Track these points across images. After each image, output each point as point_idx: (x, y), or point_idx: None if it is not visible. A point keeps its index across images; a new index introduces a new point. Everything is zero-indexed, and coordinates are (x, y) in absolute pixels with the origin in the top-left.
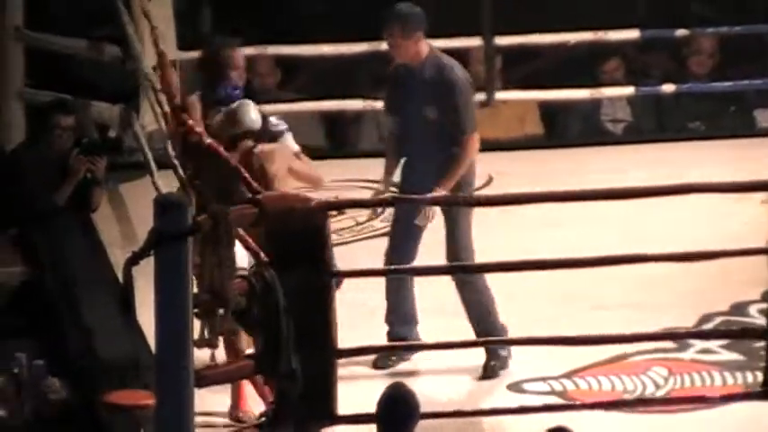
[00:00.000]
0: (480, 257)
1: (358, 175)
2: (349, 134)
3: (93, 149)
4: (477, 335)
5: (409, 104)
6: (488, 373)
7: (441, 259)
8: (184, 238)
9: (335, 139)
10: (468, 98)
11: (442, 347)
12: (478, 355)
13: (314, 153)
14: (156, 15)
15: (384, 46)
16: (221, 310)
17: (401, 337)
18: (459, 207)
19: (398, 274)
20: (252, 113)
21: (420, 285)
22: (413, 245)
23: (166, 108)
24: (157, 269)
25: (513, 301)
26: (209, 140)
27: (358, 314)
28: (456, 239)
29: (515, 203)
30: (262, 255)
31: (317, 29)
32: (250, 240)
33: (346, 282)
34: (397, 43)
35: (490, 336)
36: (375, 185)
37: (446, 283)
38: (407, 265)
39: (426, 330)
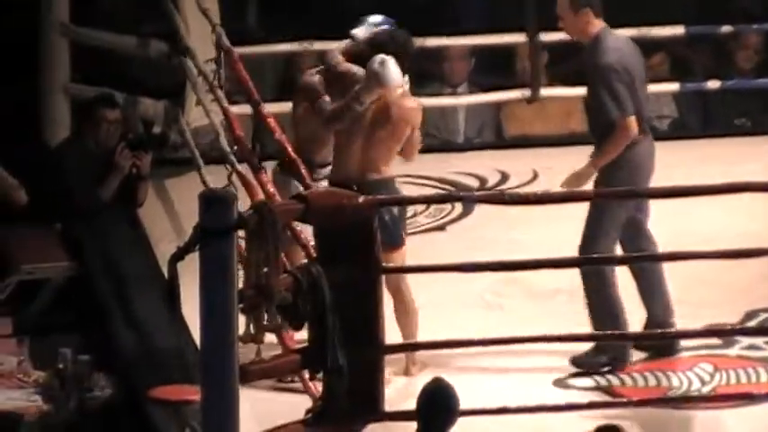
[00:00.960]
0: (529, 252)
1: (403, 172)
2: None
3: (139, 145)
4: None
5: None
6: (577, 361)
7: None
8: (230, 233)
9: None
10: (612, 82)
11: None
12: (526, 353)
13: None
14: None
15: (429, 42)
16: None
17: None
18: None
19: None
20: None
21: (456, 281)
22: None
23: (225, 103)
24: (202, 264)
25: (558, 294)
26: (280, 136)
27: None
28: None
29: (560, 202)
30: (310, 250)
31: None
32: (300, 235)
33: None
34: (565, 16)
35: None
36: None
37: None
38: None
39: (472, 326)
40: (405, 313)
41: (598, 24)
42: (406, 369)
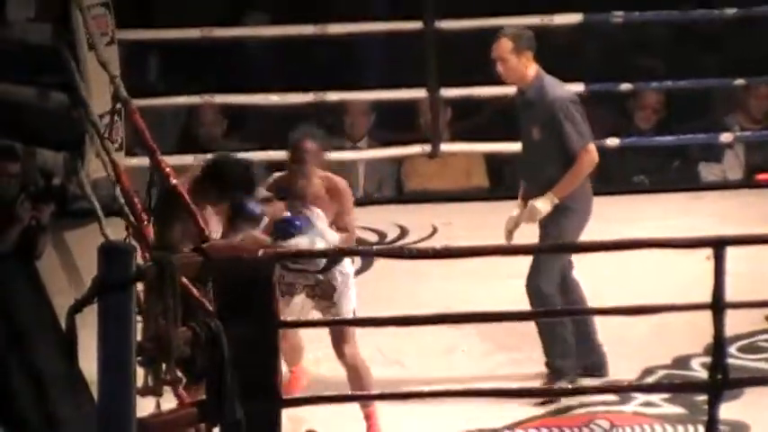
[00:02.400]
0: (425, 308)
1: None
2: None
3: (39, 197)
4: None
5: (522, 128)
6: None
7: None
8: (128, 286)
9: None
10: (573, 113)
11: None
12: (424, 408)
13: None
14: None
15: (330, 96)
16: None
17: None
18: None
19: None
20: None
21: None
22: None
23: (114, 155)
24: (101, 317)
25: (455, 352)
26: (174, 182)
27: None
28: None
29: (458, 257)
30: (206, 304)
31: (264, 78)
32: (194, 290)
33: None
34: (507, 59)
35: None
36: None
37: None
38: None
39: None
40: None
41: (535, 66)
42: None
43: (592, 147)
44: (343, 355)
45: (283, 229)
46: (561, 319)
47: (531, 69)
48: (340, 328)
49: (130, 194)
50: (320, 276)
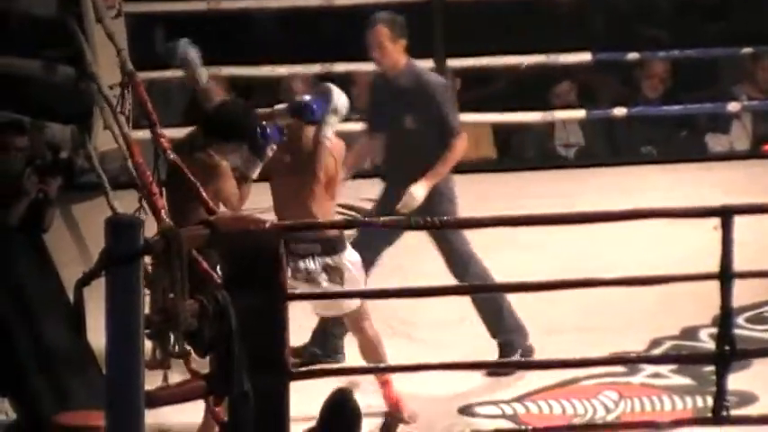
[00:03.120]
0: (433, 280)
1: None
2: None
3: (46, 170)
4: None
5: (389, 117)
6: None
7: None
8: (136, 259)
9: None
10: (447, 97)
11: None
12: (432, 380)
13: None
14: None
15: (337, 67)
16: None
17: None
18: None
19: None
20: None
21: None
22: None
23: (126, 129)
24: (108, 290)
25: (464, 324)
26: (172, 156)
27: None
28: (454, 255)
29: (466, 227)
30: (215, 276)
31: (271, 50)
32: (204, 263)
33: (300, 306)
34: (385, 46)
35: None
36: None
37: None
38: None
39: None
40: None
41: (405, 54)
42: None
43: (464, 134)
44: (361, 330)
45: (300, 111)
46: (497, 295)
47: (403, 57)
48: (355, 310)
49: (142, 167)
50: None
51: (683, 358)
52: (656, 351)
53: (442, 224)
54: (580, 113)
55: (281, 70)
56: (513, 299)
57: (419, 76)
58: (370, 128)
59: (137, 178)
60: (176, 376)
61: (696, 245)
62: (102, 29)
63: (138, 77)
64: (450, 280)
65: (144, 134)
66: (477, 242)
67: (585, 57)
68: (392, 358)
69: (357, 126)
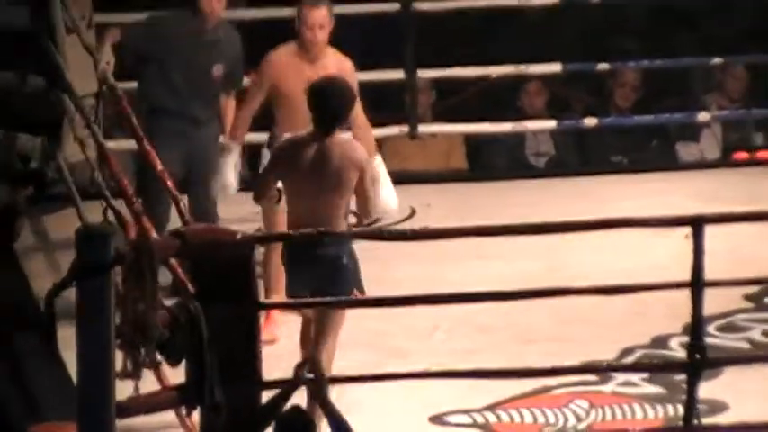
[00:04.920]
0: (405, 289)
1: None
2: None
3: (16, 180)
4: None
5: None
6: None
7: None
8: (106, 270)
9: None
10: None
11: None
12: (404, 388)
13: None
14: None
15: None
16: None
17: None
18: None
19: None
20: None
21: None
22: None
23: (101, 139)
24: (79, 301)
25: (436, 332)
26: (160, 168)
27: (283, 346)
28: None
29: (439, 238)
30: (188, 286)
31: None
32: (179, 271)
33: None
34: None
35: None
36: None
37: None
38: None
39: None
40: (330, 359)
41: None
42: None
43: None
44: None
45: None
46: None
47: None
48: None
49: (120, 177)
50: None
51: (654, 367)
52: (628, 359)
53: (415, 235)
54: (551, 123)
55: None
56: (486, 307)
57: (229, 27)
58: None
59: (110, 188)
60: (148, 386)
61: (668, 253)
62: (77, 39)
63: (119, 91)
64: (420, 288)
65: (116, 144)
66: (451, 252)
67: (556, 67)
68: (363, 367)
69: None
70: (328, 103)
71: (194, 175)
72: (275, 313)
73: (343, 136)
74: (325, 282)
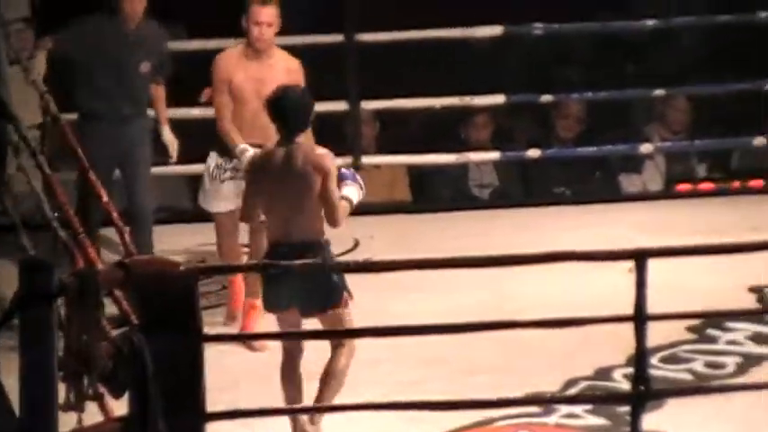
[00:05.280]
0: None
1: None
2: None
3: None
4: None
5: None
6: None
7: None
8: (50, 300)
9: None
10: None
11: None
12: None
13: (182, 217)
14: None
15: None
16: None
17: None
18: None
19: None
20: None
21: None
22: None
23: (47, 169)
24: (22, 332)
25: (380, 364)
26: (105, 199)
27: (226, 378)
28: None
29: (383, 270)
30: (132, 317)
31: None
32: (123, 302)
33: (215, 345)
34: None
35: None
36: None
37: None
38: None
39: None
40: (336, 376)
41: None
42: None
43: None
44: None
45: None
46: None
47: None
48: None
49: (67, 208)
50: None
51: (597, 398)
52: (571, 391)
53: (358, 267)
54: (495, 155)
55: (195, 112)
56: (431, 339)
57: (154, 23)
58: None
59: (57, 218)
60: (91, 418)
61: (612, 285)
62: (21, 71)
63: (62, 121)
64: (364, 321)
65: (59, 176)
66: (395, 284)
67: (500, 98)
68: (308, 398)
69: None
70: (287, 112)
71: (128, 171)
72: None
73: (308, 143)
74: (317, 292)
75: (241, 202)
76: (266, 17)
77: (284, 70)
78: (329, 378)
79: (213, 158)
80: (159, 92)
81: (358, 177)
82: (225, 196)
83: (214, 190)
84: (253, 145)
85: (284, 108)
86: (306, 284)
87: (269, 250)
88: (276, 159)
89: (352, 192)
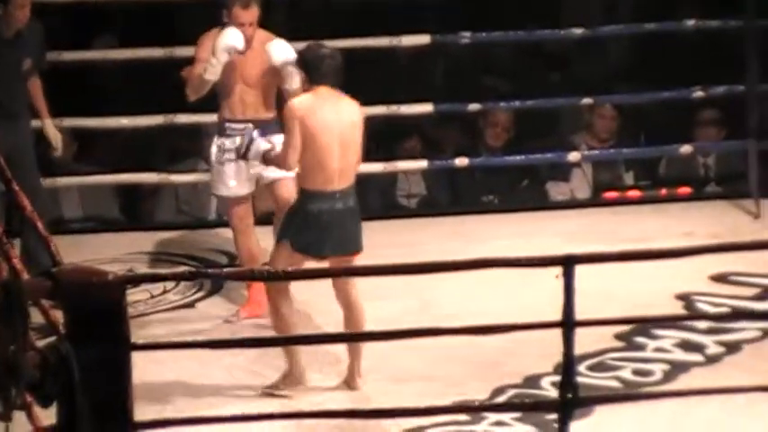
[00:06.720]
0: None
1: (154, 249)
2: (145, 207)
3: None
4: None
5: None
6: None
7: None
8: None
9: (132, 212)
10: None
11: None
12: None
13: (110, 226)
14: None
15: (180, 119)
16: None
17: None
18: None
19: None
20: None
21: (209, 357)
22: None
23: None
24: None
25: (312, 372)
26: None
27: (156, 387)
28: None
29: (311, 278)
30: (60, 327)
31: (115, 101)
32: (51, 313)
33: (143, 355)
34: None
35: None
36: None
37: None
38: None
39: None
40: (357, 321)
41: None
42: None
43: None
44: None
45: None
46: None
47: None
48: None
49: None
50: None
51: (525, 406)
52: (500, 399)
53: (286, 276)
54: (422, 164)
55: (124, 121)
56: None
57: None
58: None
59: None
60: (19, 428)
61: (539, 292)
62: None
63: None
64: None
65: None
66: (323, 292)
67: (427, 108)
68: (239, 410)
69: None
70: (326, 61)
71: (19, 166)
72: (258, 294)
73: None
74: (354, 236)
75: (287, 151)
76: (249, 18)
77: (261, 45)
78: (354, 309)
79: (215, 142)
80: (37, 87)
81: None
82: (229, 178)
83: (217, 173)
84: (244, 121)
85: (323, 57)
86: (347, 230)
87: (313, 196)
88: (328, 108)
89: None
